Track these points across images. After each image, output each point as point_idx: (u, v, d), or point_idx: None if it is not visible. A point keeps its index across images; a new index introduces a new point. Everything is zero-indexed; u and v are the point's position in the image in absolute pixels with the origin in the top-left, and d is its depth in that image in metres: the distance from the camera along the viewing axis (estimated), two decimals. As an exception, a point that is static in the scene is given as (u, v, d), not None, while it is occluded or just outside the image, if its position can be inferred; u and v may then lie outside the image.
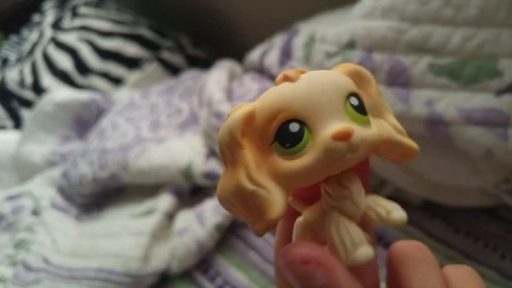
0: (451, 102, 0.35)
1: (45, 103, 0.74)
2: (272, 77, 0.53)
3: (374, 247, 0.17)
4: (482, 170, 0.37)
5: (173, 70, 0.83)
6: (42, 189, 0.67)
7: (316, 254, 0.14)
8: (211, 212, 0.49)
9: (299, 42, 0.48)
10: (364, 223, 0.16)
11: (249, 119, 0.15)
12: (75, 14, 0.90)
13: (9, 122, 0.84)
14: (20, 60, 0.91)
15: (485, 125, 0.34)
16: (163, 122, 0.61)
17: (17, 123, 0.84)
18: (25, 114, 0.83)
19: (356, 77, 0.17)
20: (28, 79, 0.85)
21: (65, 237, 0.59)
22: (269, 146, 0.15)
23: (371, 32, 0.39)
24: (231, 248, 0.50)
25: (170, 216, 0.53)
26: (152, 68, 0.82)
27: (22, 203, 0.65)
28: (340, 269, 0.15)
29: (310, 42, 0.46)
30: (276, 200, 0.15)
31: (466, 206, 0.43)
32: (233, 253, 0.49)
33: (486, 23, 0.35)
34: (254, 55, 0.57)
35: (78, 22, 0.88)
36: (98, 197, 0.63)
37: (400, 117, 0.37)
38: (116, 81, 0.83)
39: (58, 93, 0.75)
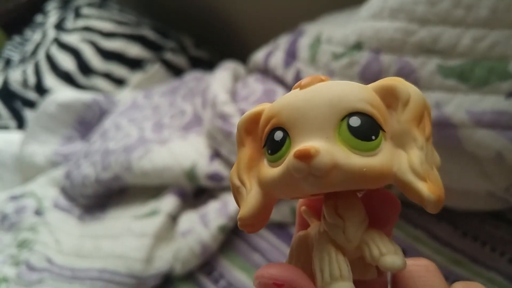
0: (460, 105, 0.34)
1: (48, 104, 0.73)
2: (276, 78, 0.51)
3: (378, 273, 0.16)
4: (491, 173, 0.36)
5: (175, 71, 0.82)
6: (45, 189, 0.67)
7: (290, 278, 0.14)
8: (215, 213, 0.48)
9: (304, 43, 0.47)
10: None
11: (255, 118, 0.15)
12: (78, 14, 0.89)
13: (12, 122, 0.83)
14: (23, 60, 0.90)
15: (495, 127, 0.33)
16: (166, 123, 0.59)
17: (20, 123, 0.82)
18: (28, 114, 0.82)
19: (388, 94, 0.15)
20: (31, 79, 0.84)
21: (68, 238, 0.58)
22: (261, 148, 0.15)
23: (379, 33, 0.38)
24: (235, 250, 0.48)
25: (173, 218, 0.52)
26: (155, 69, 0.81)
27: (25, 203, 0.64)
28: None
29: (316, 43, 0.45)
30: (249, 201, 0.15)
31: (473, 210, 0.41)
32: (237, 255, 0.48)
33: (498, 24, 0.34)
34: (258, 56, 0.55)
35: (81, 22, 0.86)
36: (101, 198, 0.62)
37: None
38: (119, 82, 0.82)
39: (61, 93, 0.74)
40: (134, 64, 0.82)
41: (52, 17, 0.94)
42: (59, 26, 0.88)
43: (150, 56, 0.82)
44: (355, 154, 0.13)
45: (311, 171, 0.13)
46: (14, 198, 0.66)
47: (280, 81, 0.50)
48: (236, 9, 0.83)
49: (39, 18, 1.00)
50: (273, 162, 0.14)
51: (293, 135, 0.14)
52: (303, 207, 0.18)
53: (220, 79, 0.55)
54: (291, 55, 0.48)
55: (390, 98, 0.15)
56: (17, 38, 1.03)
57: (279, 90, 0.50)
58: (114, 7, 0.95)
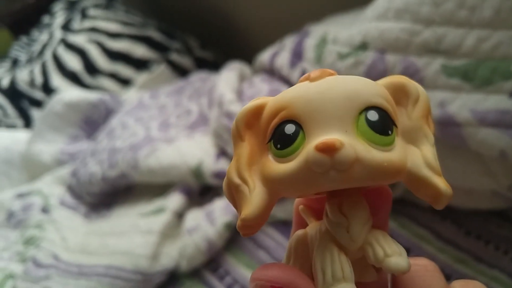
0: (464, 104, 0.35)
1: (55, 103, 0.74)
2: (282, 78, 0.52)
3: (381, 275, 0.16)
4: (495, 172, 0.36)
5: (181, 72, 0.83)
6: (51, 187, 0.67)
7: (288, 279, 0.13)
8: (221, 211, 0.49)
9: (310, 43, 0.47)
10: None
11: (257, 112, 0.15)
12: (84, 15, 0.90)
13: (19, 121, 0.84)
14: (30, 60, 0.91)
15: (499, 126, 0.33)
16: (173, 122, 0.60)
17: (27, 122, 0.83)
18: (35, 113, 0.83)
19: (399, 91, 0.15)
20: (38, 79, 0.85)
21: (74, 235, 0.58)
22: (266, 144, 0.14)
23: (384, 33, 0.39)
24: (240, 247, 0.49)
25: (179, 215, 0.53)
26: (160, 69, 0.82)
27: (32, 201, 0.65)
28: None
29: (322, 43, 0.45)
30: (254, 201, 0.14)
31: (477, 208, 0.42)
32: (243, 252, 0.49)
33: (501, 24, 0.34)
34: (264, 57, 0.56)
35: (88, 23, 0.87)
36: (107, 196, 0.63)
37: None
38: (125, 82, 0.82)
39: (67, 93, 0.75)
40: (140, 64, 0.83)
41: (59, 18, 0.95)
42: (66, 27, 0.89)
43: (156, 57, 0.83)
44: (374, 148, 0.13)
45: (334, 165, 0.12)
46: (21, 195, 0.67)
47: (286, 81, 0.51)
48: (241, 10, 0.84)
49: (46, 19, 1.01)
50: (282, 158, 0.13)
51: (309, 128, 0.13)
52: (301, 206, 0.17)
53: (227, 79, 0.55)
54: (297, 56, 0.49)
55: (399, 94, 0.15)
56: (24, 39, 1.04)
57: (285, 89, 0.50)
58: (120, 8, 0.96)
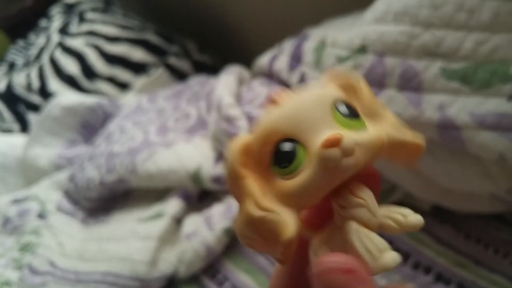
0: (463, 107, 0.35)
1: (52, 107, 0.74)
2: (281, 82, 0.52)
3: None
4: (494, 175, 0.36)
5: (179, 76, 0.83)
6: (48, 192, 0.67)
7: (358, 267, 0.14)
8: (220, 216, 0.49)
9: (309, 47, 0.48)
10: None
11: (246, 149, 0.15)
12: (82, 19, 0.90)
13: (15, 126, 0.84)
14: (27, 64, 0.92)
15: (497, 129, 0.34)
16: (171, 126, 0.60)
17: (24, 126, 0.84)
18: (32, 118, 0.83)
19: (344, 86, 0.17)
20: (35, 83, 0.85)
21: (71, 241, 0.58)
22: (269, 170, 0.15)
23: (383, 36, 0.39)
24: (239, 253, 0.49)
25: (178, 220, 0.53)
26: (159, 73, 0.82)
27: (28, 207, 0.65)
28: (374, 285, 0.14)
29: (321, 46, 0.46)
30: (287, 220, 0.14)
31: (476, 212, 0.42)
32: (242, 257, 0.49)
33: (500, 28, 0.35)
34: (263, 60, 0.57)
35: (85, 27, 0.88)
36: (105, 201, 0.63)
37: (412, 121, 0.37)
38: (123, 86, 0.83)
39: (65, 97, 0.75)
40: (138, 68, 0.83)
41: (56, 21, 0.96)
42: (63, 31, 0.90)
43: (154, 60, 0.84)
44: (358, 132, 0.15)
45: (344, 153, 0.14)
46: (17, 201, 0.67)
47: (284, 84, 0.52)
48: (240, 13, 0.85)
49: (43, 22, 1.02)
50: (292, 173, 0.15)
51: (304, 140, 0.15)
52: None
53: (225, 83, 0.56)
54: (295, 59, 0.49)
55: (346, 87, 0.17)
56: (21, 42, 1.05)
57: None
58: (118, 11, 0.96)
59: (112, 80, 0.83)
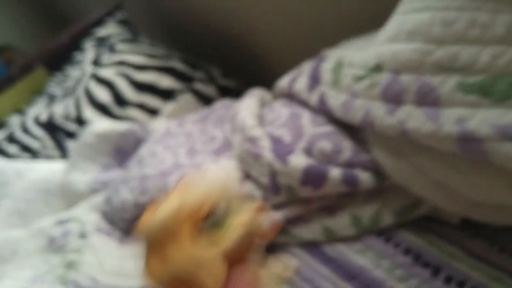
0: (484, 119, 0.34)
1: (86, 134, 0.76)
2: (301, 102, 0.53)
3: None
4: (520, 186, 0.35)
5: (205, 100, 0.84)
6: (88, 214, 0.69)
7: None
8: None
9: (327, 67, 0.48)
10: None
11: (181, 208, 0.19)
12: (112, 50, 0.93)
13: (56, 153, 0.87)
14: (65, 95, 0.95)
15: (522, 140, 0.33)
16: (199, 149, 0.61)
17: (63, 153, 0.86)
18: (70, 144, 0.86)
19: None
20: (72, 112, 0.88)
21: (110, 258, 0.59)
22: (198, 225, 0.20)
23: (397, 55, 0.39)
24: (268, 268, 0.49)
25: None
26: (186, 99, 0.84)
27: (70, 227, 0.67)
28: None
29: (338, 67, 0.46)
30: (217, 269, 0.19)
31: (509, 224, 0.40)
32: (271, 273, 0.48)
33: (515, 40, 0.34)
34: (283, 82, 0.57)
35: (115, 57, 0.91)
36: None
37: (431, 136, 0.37)
38: (152, 112, 0.84)
39: (98, 124, 0.77)
40: (166, 94, 0.85)
41: (90, 54, 0.99)
42: (96, 62, 0.93)
43: (181, 87, 0.85)
44: None
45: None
46: (60, 222, 0.68)
47: (305, 104, 0.52)
48: (261, 38, 0.86)
49: (78, 55, 1.06)
50: (217, 233, 0.20)
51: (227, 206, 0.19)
52: None
53: (248, 105, 0.56)
54: (314, 80, 0.49)
55: None
56: (59, 75, 1.09)
57: (305, 113, 0.51)
58: (145, 41, 0.99)
59: (141, 106, 0.84)
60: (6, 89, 1.09)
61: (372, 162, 0.44)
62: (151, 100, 0.85)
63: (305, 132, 0.48)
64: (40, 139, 0.89)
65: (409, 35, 0.39)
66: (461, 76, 0.36)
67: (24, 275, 0.59)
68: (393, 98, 0.39)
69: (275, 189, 0.48)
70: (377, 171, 0.44)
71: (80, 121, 0.86)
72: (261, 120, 0.54)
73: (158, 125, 0.79)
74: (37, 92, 1.11)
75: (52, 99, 1.00)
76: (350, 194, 0.46)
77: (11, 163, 0.82)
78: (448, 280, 0.40)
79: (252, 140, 0.50)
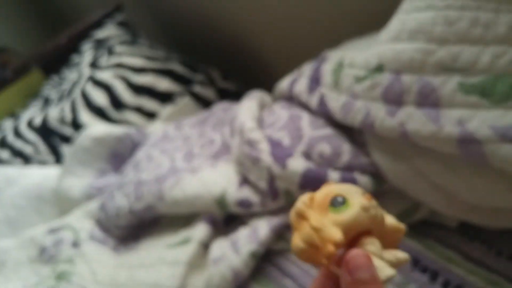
0: (484, 120, 0.35)
1: (82, 138, 0.77)
2: (301, 104, 0.54)
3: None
4: (521, 189, 0.36)
5: (204, 103, 0.86)
6: (81, 222, 0.69)
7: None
8: (246, 239, 0.50)
9: (327, 69, 0.49)
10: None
11: (311, 198, 0.24)
12: (111, 52, 0.95)
13: (50, 158, 0.88)
14: (61, 98, 0.97)
15: (521, 142, 0.34)
16: (197, 152, 0.62)
17: (58, 158, 0.88)
18: (65, 149, 0.87)
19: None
20: (68, 116, 0.89)
21: (103, 268, 0.60)
22: (326, 209, 0.24)
23: (399, 54, 0.40)
24: (266, 276, 0.50)
25: (205, 246, 0.54)
26: (184, 101, 0.85)
27: (62, 236, 0.67)
28: None
29: (339, 67, 0.47)
30: (335, 231, 0.22)
31: (506, 227, 0.41)
32: (269, 281, 0.49)
33: (516, 40, 0.35)
34: (283, 84, 0.58)
35: (114, 60, 0.92)
36: (135, 228, 0.64)
37: (432, 137, 0.37)
38: (150, 115, 0.86)
39: (94, 128, 0.78)
40: (164, 97, 0.86)
41: (87, 56, 1.01)
42: (94, 65, 0.95)
43: (180, 89, 0.86)
44: None
45: (372, 205, 0.23)
46: (52, 231, 0.69)
47: (305, 106, 0.53)
48: (261, 40, 0.87)
49: (75, 58, 1.08)
50: (339, 213, 0.23)
51: (348, 197, 0.24)
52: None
53: (247, 108, 0.58)
54: (315, 81, 0.50)
55: None
56: (55, 78, 1.11)
57: (304, 115, 0.52)
58: (144, 43, 1.01)
59: (139, 110, 0.86)
60: (0, 92, 1.11)
61: (371, 165, 0.45)
62: (149, 103, 0.86)
63: (304, 135, 0.49)
64: (33, 143, 0.90)
65: (411, 34, 0.40)
66: (462, 76, 0.37)
67: (12, 288, 0.60)
68: (394, 99, 0.40)
69: (274, 194, 0.49)
70: (376, 174, 0.45)
71: (76, 125, 0.88)
72: (260, 122, 0.56)
73: (156, 128, 0.80)
74: (33, 95, 1.13)
75: (47, 102, 1.02)
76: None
77: (1, 169, 0.83)
78: (446, 284, 0.41)
79: (250, 143, 0.51)
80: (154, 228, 0.63)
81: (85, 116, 0.88)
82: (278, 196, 0.49)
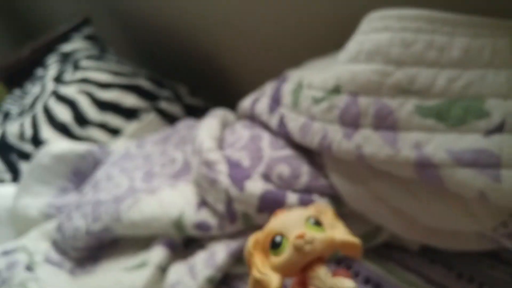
0: (440, 144, 0.35)
1: (42, 155, 0.74)
2: (262, 124, 0.52)
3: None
4: (477, 213, 0.35)
5: (171, 120, 0.84)
6: (37, 243, 0.66)
7: None
8: (203, 264, 0.48)
9: (287, 89, 0.48)
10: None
11: (257, 240, 0.27)
12: (76, 67, 0.93)
13: (7, 176, 0.84)
14: (21, 113, 0.93)
15: (475, 166, 0.33)
16: (157, 172, 0.60)
17: (16, 176, 0.84)
18: (24, 167, 0.84)
19: (319, 211, 0.28)
20: (28, 132, 0.86)
21: (58, 293, 0.57)
22: (268, 252, 0.26)
23: (356, 76, 0.39)
24: (224, 302, 0.48)
25: (163, 269, 0.52)
26: (150, 118, 0.83)
27: (16, 259, 0.64)
28: None
29: (298, 88, 0.46)
30: (274, 279, 0.25)
31: (465, 250, 0.41)
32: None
33: (471, 64, 0.35)
34: (245, 103, 0.57)
35: (79, 75, 0.90)
36: (93, 250, 0.62)
37: (388, 161, 0.37)
38: (114, 131, 0.83)
39: (55, 145, 0.75)
40: (130, 114, 0.84)
41: (52, 70, 0.98)
42: (58, 79, 0.92)
43: (145, 106, 0.85)
44: (318, 233, 0.26)
45: (306, 242, 0.25)
46: (6, 253, 0.66)
47: (265, 126, 0.52)
48: (230, 56, 0.86)
49: (39, 71, 1.05)
50: (278, 255, 0.26)
51: (286, 234, 0.26)
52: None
53: (207, 127, 0.56)
54: (275, 101, 0.49)
55: (320, 212, 0.28)
56: (17, 92, 1.07)
57: (265, 135, 0.51)
58: (112, 58, 0.99)
59: (103, 126, 0.83)
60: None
61: (330, 188, 0.44)
62: (113, 120, 0.84)
63: (264, 156, 0.48)
64: (-10, 160, 0.86)
65: (368, 55, 0.39)
66: (419, 99, 0.36)
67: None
68: (351, 121, 0.39)
69: (232, 217, 0.47)
70: (335, 196, 0.44)
71: (37, 141, 0.84)
72: (221, 142, 0.54)
73: (118, 146, 0.78)
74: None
75: (7, 117, 0.98)
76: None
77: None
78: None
79: (208, 164, 0.49)
80: (113, 250, 0.61)
81: (47, 132, 0.85)
82: (236, 219, 0.47)
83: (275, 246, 0.25)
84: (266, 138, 0.50)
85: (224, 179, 0.47)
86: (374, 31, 0.40)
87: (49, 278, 0.60)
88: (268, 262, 0.26)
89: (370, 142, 0.38)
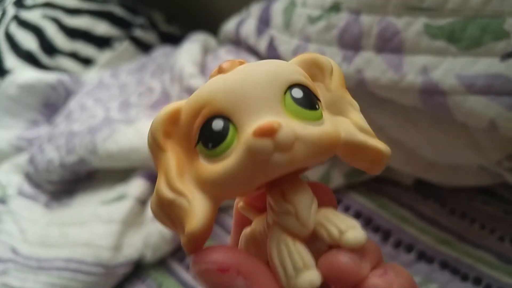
0: (450, 69, 0.30)
1: (8, 86, 0.67)
2: (249, 48, 0.46)
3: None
4: (483, 145, 0.31)
5: (145, 48, 0.76)
6: (9, 176, 0.61)
7: (236, 261, 0.12)
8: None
9: (278, 8, 0.41)
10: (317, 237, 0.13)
11: (173, 118, 0.13)
12: (40, -10, 0.81)
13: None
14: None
15: (488, 93, 0.29)
16: (134, 102, 0.54)
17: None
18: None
19: (313, 67, 0.15)
20: (-9, 60, 0.76)
21: (33, 226, 0.53)
22: (194, 147, 0.13)
23: (359, -9, 0.33)
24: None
25: (142, 202, 0.47)
26: (124, 46, 0.75)
27: (-13, 192, 0.58)
28: (265, 276, 0.12)
29: (291, 7, 0.39)
30: (197, 211, 0.12)
31: (462, 185, 0.37)
32: (211, 238, 0.44)
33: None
34: (229, 26, 0.50)
35: (43, -2, 0.79)
36: (68, 183, 0.57)
37: (392, 87, 0.32)
38: (86, 61, 0.75)
39: (21, 74, 0.67)
40: (102, 42, 0.75)
41: (13, -7, 0.86)
42: (19, 2, 0.81)
43: (119, 34, 0.76)
44: (308, 124, 0.13)
45: (277, 147, 0.11)
46: (-25, 187, 0.60)
47: (253, 51, 0.45)
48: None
49: (0, -5, 0.92)
50: (217, 157, 0.12)
51: (238, 119, 0.12)
52: (241, 204, 0.17)
53: (188, 52, 0.49)
54: (264, 22, 0.43)
55: (314, 70, 0.14)
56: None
57: (252, 60, 0.45)
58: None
59: (74, 55, 0.75)
60: None
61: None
62: (84, 48, 0.75)
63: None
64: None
65: (373, -32, 0.33)
66: (429, 17, 0.31)
67: None
68: (351, 43, 0.33)
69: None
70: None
71: (1, 71, 0.75)
72: (203, 69, 0.48)
73: (91, 75, 0.71)
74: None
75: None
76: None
77: None
78: (397, 244, 0.37)
79: (191, 91, 0.44)
80: (89, 183, 0.56)
81: (11, 61, 0.75)
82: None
83: (211, 139, 0.12)
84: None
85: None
86: None
87: (24, 211, 0.56)
88: (193, 167, 0.13)
89: (372, 66, 0.32)
